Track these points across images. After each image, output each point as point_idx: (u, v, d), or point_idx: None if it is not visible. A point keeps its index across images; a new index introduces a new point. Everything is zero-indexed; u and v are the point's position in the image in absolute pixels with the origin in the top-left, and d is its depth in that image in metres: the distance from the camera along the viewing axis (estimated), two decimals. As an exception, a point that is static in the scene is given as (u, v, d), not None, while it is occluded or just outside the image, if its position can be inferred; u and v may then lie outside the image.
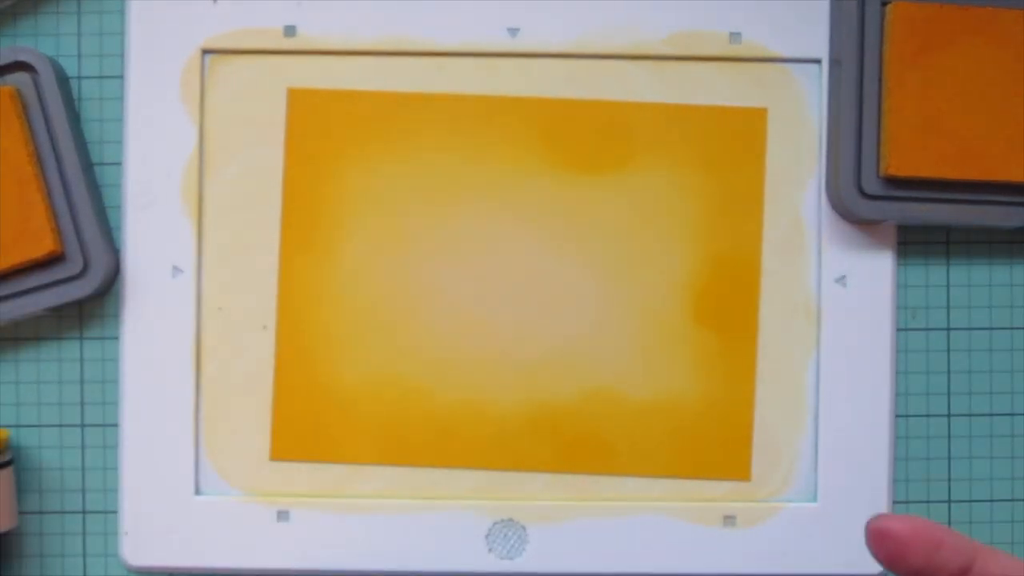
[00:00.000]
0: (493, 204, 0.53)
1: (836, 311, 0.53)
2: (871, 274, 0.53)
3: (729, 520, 0.53)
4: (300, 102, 0.53)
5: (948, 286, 0.54)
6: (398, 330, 0.53)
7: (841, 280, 0.53)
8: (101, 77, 0.54)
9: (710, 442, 0.53)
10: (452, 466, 0.54)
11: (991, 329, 0.54)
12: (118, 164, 0.54)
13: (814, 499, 0.53)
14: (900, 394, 0.54)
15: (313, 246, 0.53)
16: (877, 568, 0.53)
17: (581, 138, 0.53)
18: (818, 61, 0.53)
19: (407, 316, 0.53)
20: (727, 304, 0.53)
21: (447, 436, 0.53)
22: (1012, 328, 0.54)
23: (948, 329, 0.54)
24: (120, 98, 0.54)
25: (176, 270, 0.53)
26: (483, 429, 0.53)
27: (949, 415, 0.54)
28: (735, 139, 0.53)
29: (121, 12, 0.54)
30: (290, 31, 0.53)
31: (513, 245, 0.53)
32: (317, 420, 0.53)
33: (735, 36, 0.53)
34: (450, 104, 0.53)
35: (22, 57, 0.51)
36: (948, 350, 0.54)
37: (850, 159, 0.51)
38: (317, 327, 0.53)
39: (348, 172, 0.53)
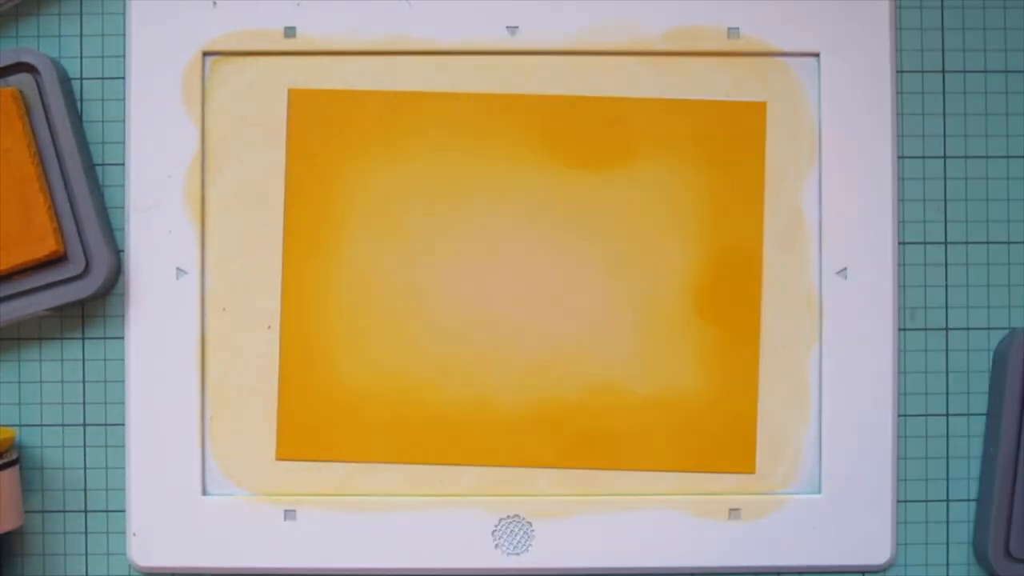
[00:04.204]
0: (495, 201, 0.54)
1: (838, 303, 0.53)
2: (872, 265, 0.53)
3: (734, 513, 0.53)
4: (301, 102, 0.54)
5: (947, 286, 0.54)
6: (402, 328, 0.53)
7: (842, 272, 0.53)
8: (103, 78, 0.54)
9: (714, 436, 0.53)
10: (457, 463, 0.53)
11: (988, 329, 0.54)
12: (120, 165, 0.54)
13: (818, 490, 0.53)
14: (899, 394, 0.54)
15: (316, 245, 0.53)
16: (882, 559, 0.53)
17: (581, 134, 0.54)
18: (816, 55, 0.53)
19: (410, 314, 0.53)
20: (729, 298, 0.54)
21: (452, 433, 0.53)
22: (1010, 328, 0.54)
23: (947, 329, 0.54)
24: (122, 99, 0.54)
25: (180, 271, 0.53)
26: (488, 426, 0.53)
27: (947, 415, 0.54)
28: (735, 133, 0.54)
29: (122, 14, 0.54)
30: (290, 32, 0.53)
31: (515, 242, 0.54)
32: (322, 419, 0.53)
33: (733, 31, 0.53)
34: (450, 103, 0.54)
35: (24, 58, 0.52)
36: (947, 350, 0.54)
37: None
38: (321, 326, 0.53)
39: (350, 171, 0.54)
